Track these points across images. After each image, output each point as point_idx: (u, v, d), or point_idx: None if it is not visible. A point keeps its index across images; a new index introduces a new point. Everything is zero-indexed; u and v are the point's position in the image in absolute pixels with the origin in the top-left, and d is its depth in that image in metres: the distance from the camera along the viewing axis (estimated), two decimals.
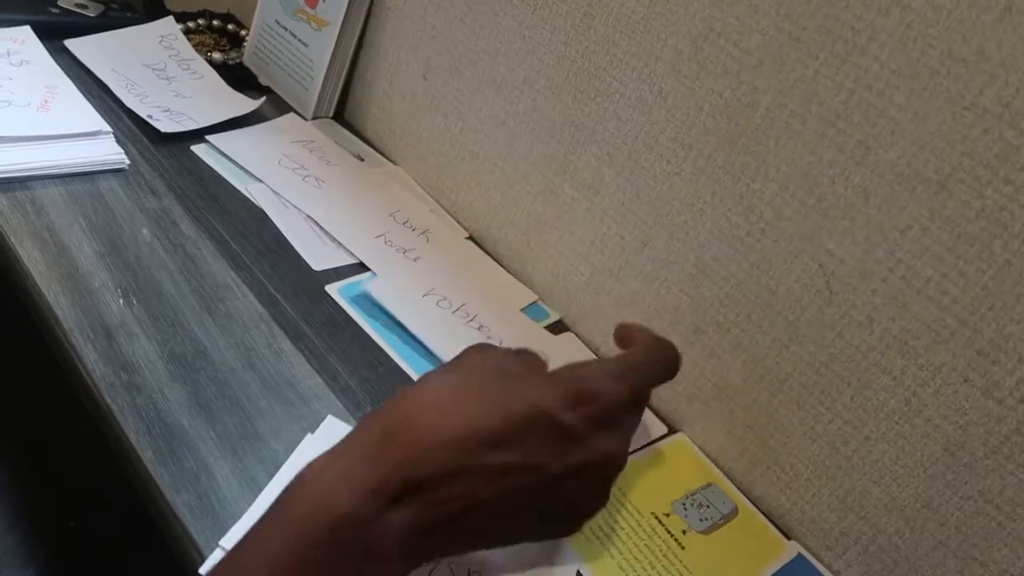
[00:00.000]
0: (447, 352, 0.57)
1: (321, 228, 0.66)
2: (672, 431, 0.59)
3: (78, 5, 0.81)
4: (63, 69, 0.70)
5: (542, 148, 0.64)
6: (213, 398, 0.49)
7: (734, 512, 0.54)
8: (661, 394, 0.60)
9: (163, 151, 0.68)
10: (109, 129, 0.65)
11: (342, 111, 0.83)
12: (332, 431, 0.49)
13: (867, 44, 0.45)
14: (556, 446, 0.37)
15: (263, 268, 0.60)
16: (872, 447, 0.49)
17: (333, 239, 0.65)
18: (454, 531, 0.35)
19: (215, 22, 0.89)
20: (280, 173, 0.70)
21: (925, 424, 0.47)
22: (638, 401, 0.43)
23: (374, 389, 0.53)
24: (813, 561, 0.52)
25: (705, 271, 0.55)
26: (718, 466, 0.57)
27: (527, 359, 0.42)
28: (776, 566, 0.51)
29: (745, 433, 0.55)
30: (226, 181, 0.68)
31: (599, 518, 0.50)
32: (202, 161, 0.69)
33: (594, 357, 0.63)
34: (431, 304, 0.61)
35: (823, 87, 0.47)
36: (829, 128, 0.47)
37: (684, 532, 0.51)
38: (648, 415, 0.60)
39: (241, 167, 0.69)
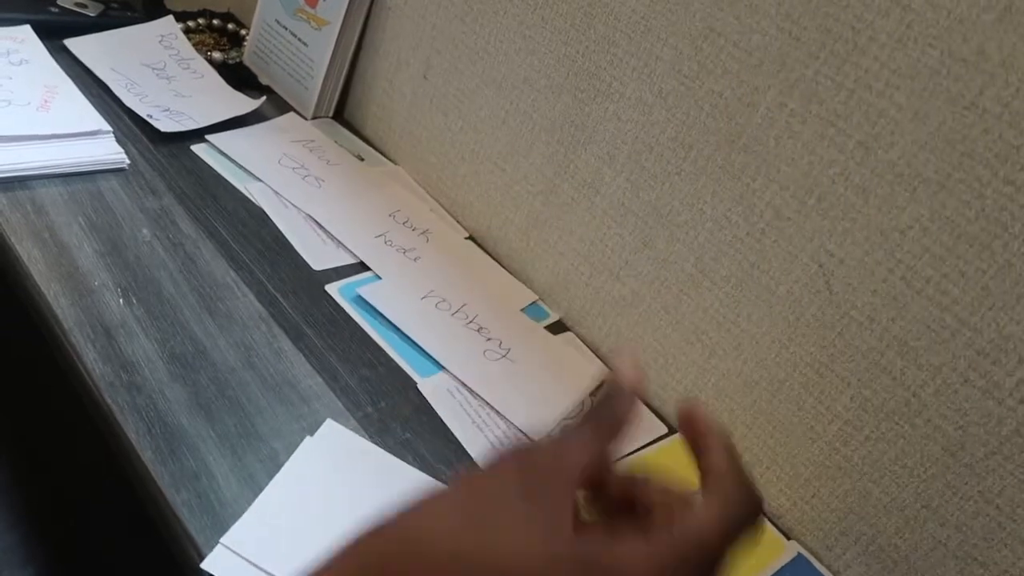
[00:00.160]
0: (445, 355, 0.57)
1: (321, 227, 0.66)
2: (672, 431, 0.59)
3: (78, 4, 0.81)
4: (63, 68, 0.70)
5: (542, 148, 0.64)
6: (213, 397, 0.48)
7: None
8: (661, 394, 0.60)
9: (163, 150, 0.68)
10: (109, 128, 0.65)
11: (342, 110, 0.83)
12: (331, 434, 0.49)
13: (867, 44, 0.45)
14: None
15: (263, 268, 0.60)
16: (872, 447, 0.49)
17: (333, 238, 0.65)
18: None
19: (215, 21, 0.89)
20: (280, 172, 0.70)
21: (925, 425, 0.47)
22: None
23: (374, 389, 0.53)
24: (813, 561, 0.52)
25: (705, 271, 0.55)
26: None
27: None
28: (776, 566, 0.51)
29: (745, 433, 0.55)
30: (226, 180, 0.68)
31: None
32: (202, 160, 0.69)
33: (594, 357, 0.63)
34: (430, 306, 0.61)
35: (823, 87, 0.47)
36: (829, 128, 0.47)
37: None
38: (648, 414, 0.60)
39: (241, 167, 0.69)
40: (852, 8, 0.45)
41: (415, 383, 0.55)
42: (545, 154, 0.64)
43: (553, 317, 0.66)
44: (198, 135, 0.71)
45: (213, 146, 0.70)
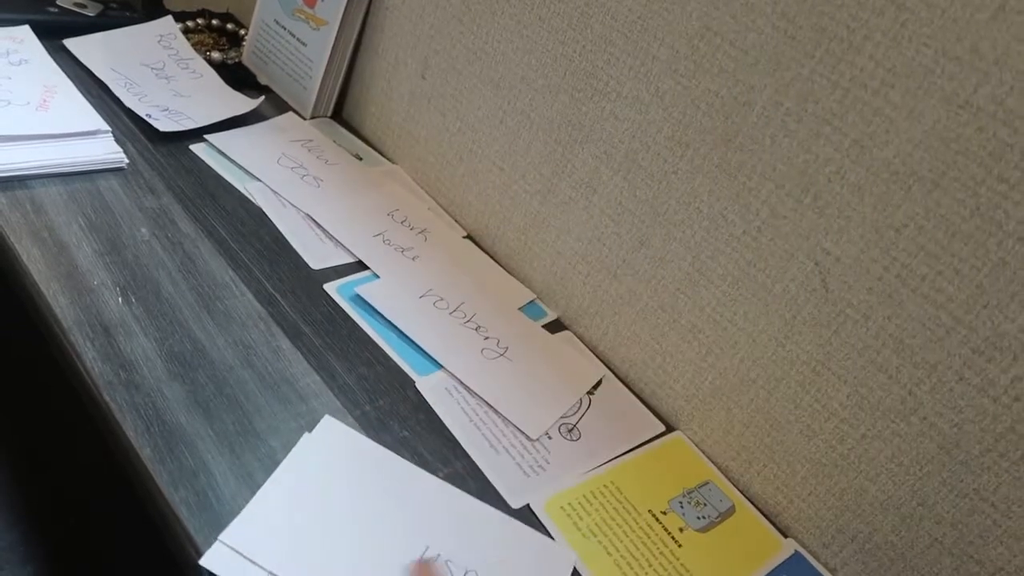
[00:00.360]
0: (443, 353, 0.58)
1: (320, 227, 0.66)
2: (669, 429, 0.59)
3: (77, 4, 0.81)
4: (62, 68, 0.70)
5: (540, 147, 0.64)
6: (211, 396, 0.49)
7: (731, 510, 0.54)
8: (658, 393, 0.60)
9: (162, 150, 0.68)
10: (108, 128, 0.65)
11: (340, 110, 0.83)
12: (329, 431, 0.49)
13: (862, 43, 0.45)
14: None
15: (261, 267, 0.60)
16: (868, 445, 0.49)
17: (331, 238, 0.65)
18: None
19: (214, 21, 0.89)
20: (279, 172, 0.70)
21: (921, 422, 0.47)
22: None
23: (372, 387, 0.53)
24: (810, 559, 0.53)
25: (702, 269, 0.56)
26: (715, 464, 0.57)
27: None
28: (773, 564, 0.51)
29: (742, 431, 0.56)
30: (225, 180, 0.68)
31: (596, 516, 0.50)
32: (201, 160, 0.69)
33: (592, 355, 0.63)
34: (428, 305, 0.62)
35: (819, 86, 0.47)
36: (825, 127, 0.47)
37: (681, 530, 0.51)
38: (645, 413, 0.60)
39: (240, 166, 0.69)
40: (847, 7, 0.45)
41: (413, 381, 0.55)
42: (543, 153, 0.64)
43: (551, 316, 0.66)
44: (197, 135, 0.71)
45: (212, 146, 0.71)
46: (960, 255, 0.43)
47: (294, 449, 0.47)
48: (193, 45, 0.83)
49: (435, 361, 0.57)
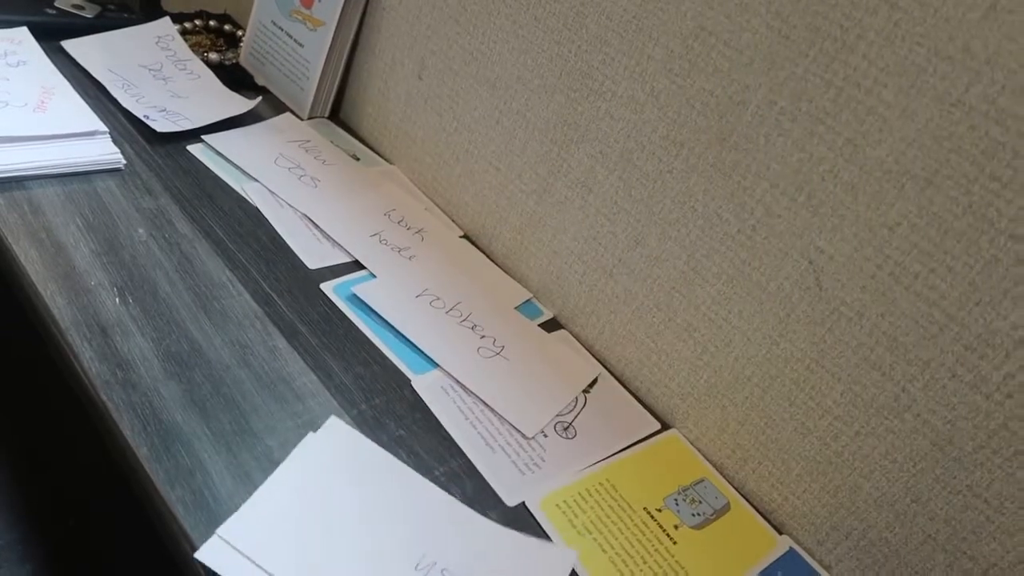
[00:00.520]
0: (440, 352, 0.58)
1: (316, 227, 0.66)
2: (665, 427, 0.59)
3: (75, 6, 0.81)
4: (60, 70, 0.71)
5: (536, 147, 0.65)
6: (208, 395, 0.49)
7: (726, 507, 0.54)
8: (653, 391, 0.60)
9: (159, 151, 0.69)
10: (105, 129, 0.66)
11: (338, 111, 0.83)
12: (334, 432, 0.49)
13: (855, 42, 0.45)
14: None
15: (258, 267, 0.60)
16: (862, 442, 0.49)
17: (328, 238, 0.66)
18: None
19: (211, 23, 0.89)
20: (276, 172, 0.70)
21: (914, 419, 0.47)
22: None
23: (368, 386, 0.54)
24: (804, 556, 0.53)
25: (697, 268, 0.56)
26: (710, 461, 0.58)
27: None
28: (768, 561, 0.52)
29: (737, 429, 0.56)
30: (222, 180, 0.68)
31: (591, 513, 0.50)
32: (198, 161, 0.69)
33: (588, 354, 0.64)
34: (424, 305, 0.62)
35: (812, 85, 0.47)
36: (818, 125, 0.47)
37: (676, 527, 0.51)
38: (641, 411, 0.60)
39: (237, 167, 0.70)
40: (840, 6, 0.45)
41: (409, 381, 0.55)
42: (539, 153, 0.64)
43: (547, 315, 0.66)
44: (194, 135, 0.71)
45: (209, 146, 0.71)
46: (953, 253, 0.44)
47: (296, 448, 0.47)
48: (191, 46, 0.83)
49: (431, 360, 0.57)
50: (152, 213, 0.62)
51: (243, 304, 0.56)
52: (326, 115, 0.82)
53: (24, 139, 0.62)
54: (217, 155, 0.70)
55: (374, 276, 0.63)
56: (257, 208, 0.66)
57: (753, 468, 0.55)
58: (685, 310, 0.57)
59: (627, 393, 0.61)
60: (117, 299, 0.53)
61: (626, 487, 0.53)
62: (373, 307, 0.59)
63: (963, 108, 0.42)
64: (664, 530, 0.51)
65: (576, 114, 0.61)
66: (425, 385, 0.55)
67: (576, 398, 0.59)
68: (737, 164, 0.52)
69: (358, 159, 0.78)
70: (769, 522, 0.55)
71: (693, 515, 0.53)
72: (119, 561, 0.66)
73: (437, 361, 0.57)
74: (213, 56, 0.83)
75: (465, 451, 0.52)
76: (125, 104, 0.71)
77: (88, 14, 0.81)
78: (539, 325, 0.65)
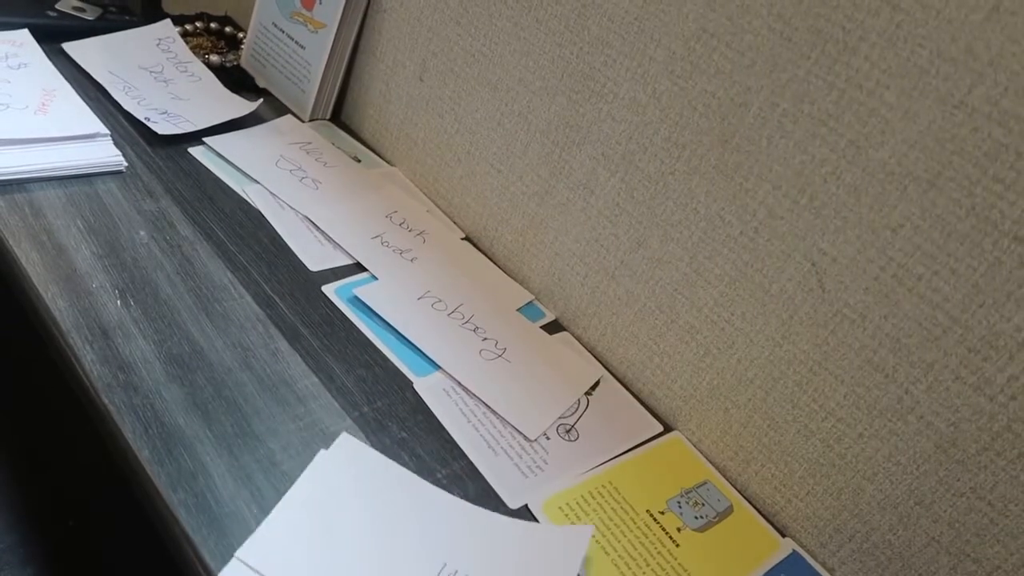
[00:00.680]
0: (442, 355, 0.58)
1: (318, 229, 0.66)
2: (667, 429, 0.59)
3: (76, 8, 0.81)
4: (61, 72, 0.71)
5: (537, 149, 0.64)
6: (210, 398, 0.49)
7: (729, 510, 0.54)
8: (656, 393, 0.60)
9: (160, 153, 0.69)
10: (107, 131, 0.66)
11: (339, 113, 0.83)
12: (345, 448, 0.48)
13: (858, 44, 0.45)
14: None
15: (260, 269, 0.60)
16: (865, 444, 0.49)
17: (330, 240, 0.66)
18: None
19: (212, 25, 0.89)
20: (277, 174, 0.70)
21: (918, 421, 0.47)
22: None
23: (370, 389, 0.54)
24: (807, 558, 0.53)
25: (699, 270, 0.56)
26: (713, 464, 0.57)
27: None
28: (771, 563, 0.52)
29: (740, 431, 0.56)
30: (223, 183, 0.68)
31: (594, 516, 0.50)
32: (199, 163, 0.69)
33: (590, 356, 0.64)
34: (426, 307, 0.62)
35: (815, 87, 0.47)
36: (821, 127, 0.47)
37: (679, 530, 0.51)
38: (643, 413, 0.60)
39: (238, 169, 0.70)
40: (843, 8, 0.45)
41: (411, 383, 0.55)
42: (540, 155, 0.64)
43: (549, 317, 0.66)
44: (195, 138, 0.71)
45: (210, 148, 0.71)
46: (956, 255, 0.44)
47: (309, 466, 0.46)
48: (192, 48, 0.83)
49: (433, 362, 0.57)
50: (153, 215, 0.62)
51: (245, 306, 0.56)
52: (327, 117, 0.82)
53: (25, 141, 0.61)
54: (218, 157, 0.70)
55: (376, 278, 0.63)
56: (258, 210, 0.66)
57: (756, 470, 0.55)
58: (687, 312, 0.57)
59: (629, 395, 0.61)
60: (118, 301, 0.53)
61: (629, 489, 0.53)
62: (375, 309, 0.59)
63: (966, 110, 0.42)
64: (667, 533, 0.51)
65: (578, 116, 0.61)
66: (427, 387, 0.55)
67: (578, 400, 0.59)
68: (739, 166, 0.52)
69: (359, 161, 0.77)
70: (772, 525, 0.54)
71: (696, 518, 0.53)
72: (119, 561, 0.66)
73: (439, 363, 0.57)
74: (214, 58, 0.83)
75: (467, 453, 0.51)
76: (126, 106, 0.71)
77: (89, 16, 0.81)
78: (541, 327, 0.65)
